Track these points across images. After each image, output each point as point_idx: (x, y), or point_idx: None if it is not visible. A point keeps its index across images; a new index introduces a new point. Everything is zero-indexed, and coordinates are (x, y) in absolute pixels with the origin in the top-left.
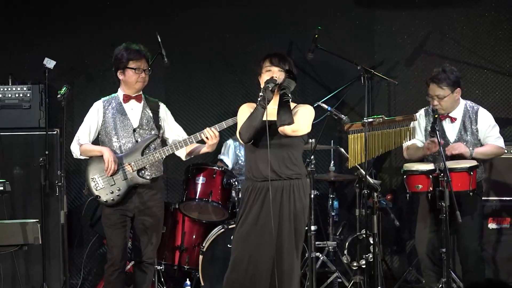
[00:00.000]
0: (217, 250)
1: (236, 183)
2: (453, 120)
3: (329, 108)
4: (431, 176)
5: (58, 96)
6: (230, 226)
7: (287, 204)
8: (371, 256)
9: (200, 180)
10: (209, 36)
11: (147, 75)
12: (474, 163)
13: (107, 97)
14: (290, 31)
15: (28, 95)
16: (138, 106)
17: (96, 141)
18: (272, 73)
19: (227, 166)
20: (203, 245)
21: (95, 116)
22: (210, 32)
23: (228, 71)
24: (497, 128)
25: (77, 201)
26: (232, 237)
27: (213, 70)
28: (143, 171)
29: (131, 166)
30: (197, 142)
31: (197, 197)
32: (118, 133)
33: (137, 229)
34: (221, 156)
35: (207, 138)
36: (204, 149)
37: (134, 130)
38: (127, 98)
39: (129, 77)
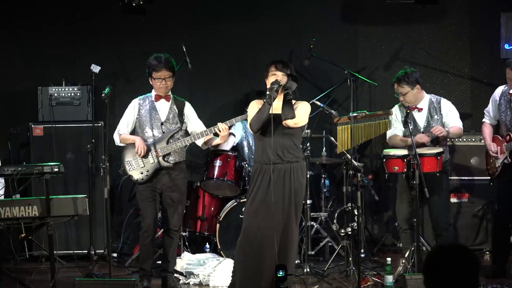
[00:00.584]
0: (231, 220)
1: (246, 165)
2: (419, 110)
3: (321, 105)
4: (405, 160)
5: (102, 95)
6: (241, 200)
7: (289, 182)
8: (355, 224)
9: (217, 163)
10: (225, 47)
11: (170, 81)
12: (440, 149)
13: (143, 96)
14: (290, 42)
15: (78, 94)
16: (167, 104)
17: (133, 132)
18: (277, 76)
19: (234, 136)
20: (220, 215)
21: (132, 111)
22: (226, 43)
23: (240, 75)
24: (457, 113)
25: (118, 180)
26: (243, 209)
27: (229, 74)
28: (167, 157)
29: (157, 152)
30: (213, 134)
31: (215, 177)
32: (149, 125)
33: (164, 203)
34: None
35: (219, 131)
36: (217, 140)
37: (162, 124)
38: (158, 98)
39: (154, 84)
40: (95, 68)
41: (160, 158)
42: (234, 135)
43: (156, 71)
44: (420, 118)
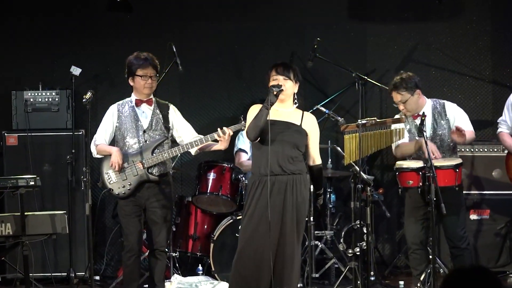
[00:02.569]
0: (226, 239)
1: (243, 178)
2: (423, 117)
3: (326, 111)
4: (420, 173)
5: (83, 100)
6: (238, 217)
7: (290, 196)
8: (364, 244)
9: (211, 175)
10: (220, 47)
11: (154, 81)
12: (459, 161)
13: (122, 101)
14: (292, 42)
15: (57, 99)
16: (149, 109)
17: (113, 140)
18: (278, 81)
19: (247, 153)
20: (214, 234)
21: (110, 118)
22: (221, 43)
23: (237, 78)
24: (467, 115)
25: (100, 195)
26: (240, 227)
27: (224, 77)
28: (152, 168)
29: (142, 164)
30: (212, 141)
31: (208, 191)
32: (130, 134)
33: (149, 220)
34: (239, 146)
35: (219, 136)
36: (217, 146)
37: (144, 131)
38: (139, 102)
39: (137, 83)
40: (76, 71)
41: (145, 170)
42: (246, 152)
43: (141, 68)
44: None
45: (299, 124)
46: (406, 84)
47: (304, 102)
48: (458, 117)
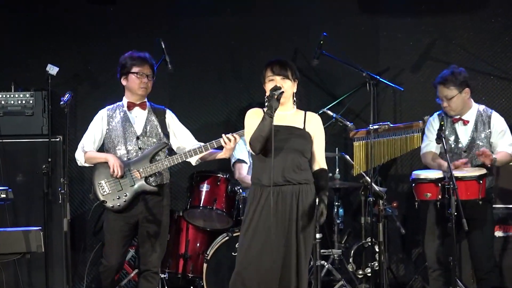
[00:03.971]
0: (222, 258)
1: (240, 190)
2: (465, 122)
3: (334, 115)
4: (440, 184)
5: (61, 103)
6: (234, 234)
7: (296, 209)
8: (376, 264)
9: (205, 187)
10: (214, 44)
11: (150, 82)
12: (483, 171)
13: (112, 105)
14: (295, 37)
15: (31, 101)
16: (143, 113)
17: (101, 149)
18: (275, 82)
19: (247, 163)
20: (207, 253)
21: (99, 124)
22: (216, 39)
23: (233, 78)
24: (510, 134)
25: (80, 209)
26: (237, 245)
27: (219, 77)
28: (150, 178)
29: (139, 173)
30: (214, 148)
31: (201, 205)
32: (122, 141)
33: (141, 237)
34: (237, 157)
35: (225, 143)
36: (221, 154)
37: (138, 138)
38: (131, 106)
39: (132, 82)
40: (52, 69)
41: (143, 180)
42: (246, 162)
43: (138, 65)
44: (464, 133)
45: (302, 127)
46: (456, 78)
47: (308, 105)
48: (499, 133)
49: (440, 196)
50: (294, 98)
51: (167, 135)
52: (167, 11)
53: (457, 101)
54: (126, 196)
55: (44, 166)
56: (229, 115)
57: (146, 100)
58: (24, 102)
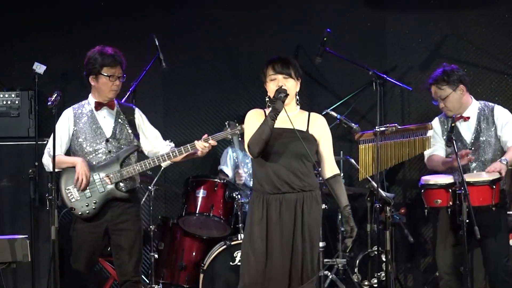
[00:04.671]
0: (219, 268)
1: (239, 196)
2: (466, 119)
3: (338, 116)
4: (450, 190)
5: (49, 103)
6: (232, 243)
7: (301, 216)
8: (383, 274)
9: (201, 193)
10: (210, 40)
11: (121, 82)
12: (496, 175)
13: (78, 104)
14: (296, 34)
15: (17, 102)
16: (111, 114)
17: (69, 151)
18: (278, 81)
19: (228, 176)
20: (204, 262)
21: (65, 125)
22: (212, 35)
23: (231, 76)
24: None
25: (69, 216)
26: (236, 254)
27: (216, 75)
28: (121, 184)
29: (109, 178)
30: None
31: (197, 212)
32: (90, 144)
33: (114, 246)
34: (221, 167)
35: (200, 147)
36: (196, 155)
37: (107, 140)
38: (99, 106)
39: (103, 84)
40: (39, 68)
41: (113, 186)
42: (227, 175)
43: (110, 66)
44: (467, 130)
45: (305, 129)
46: (448, 77)
47: (311, 105)
48: (506, 125)
49: (451, 203)
50: (297, 98)
51: (137, 136)
52: (160, 5)
53: (452, 100)
54: (95, 203)
55: (30, 170)
56: (226, 116)
57: (114, 98)
58: (9, 102)
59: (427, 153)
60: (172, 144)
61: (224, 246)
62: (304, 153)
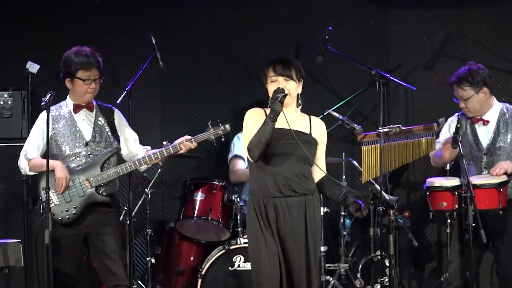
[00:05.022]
0: (217, 273)
1: (238, 199)
2: (485, 123)
3: (340, 117)
4: (456, 193)
5: (42, 103)
6: (231, 247)
7: (304, 222)
8: (386, 279)
9: (199, 196)
10: (209, 39)
11: (98, 85)
12: (504, 178)
13: (55, 105)
14: (297, 32)
15: (9, 102)
16: (90, 115)
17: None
18: (278, 83)
19: (244, 160)
20: (202, 267)
21: (42, 127)
22: (211, 34)
23: (230, 76)
24: None
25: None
26: (239, 257)
27: (214, 75)
28: (101, 188)
29: (89, 182)
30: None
31: (195, 215)
32: (69, 147)
33: (96, 252)
34: (236, 152)
35: (181, 149)
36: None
37: (87, 144)
38: (77, 108)
39: (78, 87)
40: (33, 67)
41: (93, 190)
42: (244, 160)
43: (85, 69)
44: (485, 134)
45: (308, 132)
46: (472, 78)
47: (313, 106)
48: None
49: (456, 206)
50: (299, 100)
51: (117, 138)
52: (158, 3)
53: (474, 102)
54: (75, 208)
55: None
56: (225, 116)
57: (92, 100)
58: (1, 102)
59: (432, 153)
60: (149, 147)
61: (223, 251)
62: (306, 156)
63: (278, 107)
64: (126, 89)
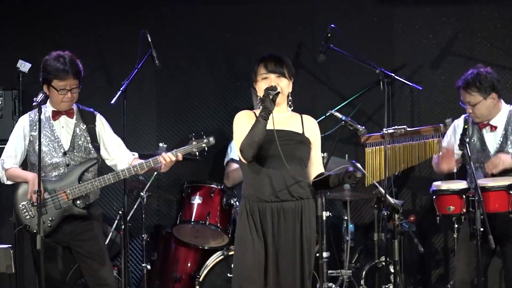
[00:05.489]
0: (216, 280)
1: (237, 203)
2: (493, 128)
3: (343, 118)
4: (464, 196)
5: (34, 103)
6: (230, 253)
7: (300, 228)
8: (391, 287)
9: (196, 200)
10: (207, 36)
11: (76, 92)
12: None
13: (34, 111)
14: (298, 29)
15: (0, 102)
16: (70, 122)
17: (25, 162)
18: (270, 80)
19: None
20: (200, 274)
21: (20, 134)
22: (209, 31)
23: (229, 75)
24: None
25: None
26: (233, 266)
27: (212, 74)
28: (78, 200)
29: (66, 194)
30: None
31: (192, 220)
32: (46, 156)
33: (81, 258)
34: (233, 156)
35: (165, 161)
36: (161, 169)
37: (65, 153)
38: (56, 115)
39: (54, 96)
40: (24, 66)
41: (70, 202)
42: None
43: (59, 78)
44: (492, 140)
45: (301, 132)
46: (480, 83)
47: (314, 106)
48: None
49: (464, 210)
50: (290, 98)
51: (97, 147)
52: None
53: (482, 108)
54: (51, 220)
55: None
56: (224, 118)
57: (73, 106)
58: None
59: (434, 156)
60: (136, 155)
61: (222, 257)
62: (302, 157)
63: (270, 105)
64: (121, 89)
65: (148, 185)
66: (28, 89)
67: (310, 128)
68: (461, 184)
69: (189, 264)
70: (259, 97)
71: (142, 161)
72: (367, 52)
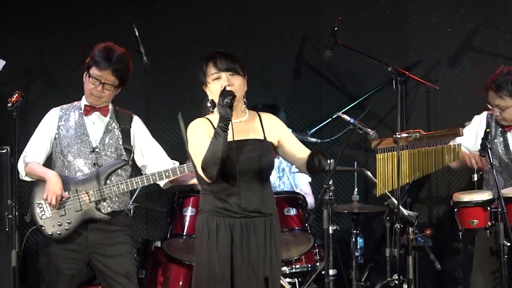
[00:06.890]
0: None
1: None
2: None
3: (352, 121)
4: (489, 208)
5: (8, 105)
6: None
7: (269, 243)
8: None
9: (189, 211)
10: (201, 30)
11: (109, 91)
12: None
13: (67, 105)
14: (302, 23)
15: None
16: (102, 121)
17: (49, 158)
18: (221, 80)
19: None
20: None
21: (48, 127)
22: (203, 25)
23: None
24: None
25: (34, 238)
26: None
27: None
28: (102, 203)
29: (88, 196)
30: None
31: (184, 233)
32: (72, 152)
33: (101, 275)
34: None
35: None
36: (194, 180)
37: (93, 151)
38: (89, 110)
39: (86, 84)
40: None
41: (92, 205)
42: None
43: (98, 67)
44: None
45: (262, 137)
46: None
47: (320, 108)
48: None
49: (489, 223)
50: (245, 100)
51: (129, 150)
52: None
53: (510, 112)
54: (69, 223)
55: None
56: None
57: (109, 104)
58: None
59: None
60: (177, 163)
61: None
62: (268, 168)
63: (227, 113)
64: None
65: (135, 195)
66: (2, 88)
67: (271, 127)
68: (484, 195)
69: (180, 283)
70: (211, 102)
71: (177, 166)
72: (378, 47)
